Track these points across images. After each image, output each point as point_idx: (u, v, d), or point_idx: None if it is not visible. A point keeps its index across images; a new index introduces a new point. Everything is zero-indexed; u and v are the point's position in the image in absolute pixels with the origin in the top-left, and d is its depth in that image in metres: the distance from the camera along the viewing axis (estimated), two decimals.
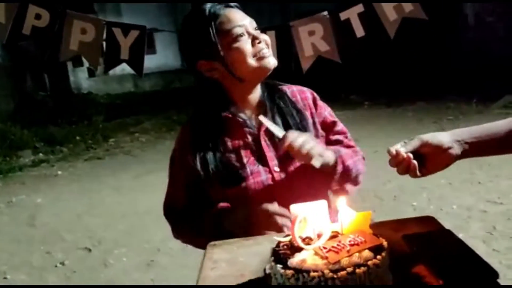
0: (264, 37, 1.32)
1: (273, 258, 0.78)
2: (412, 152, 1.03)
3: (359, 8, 1.66)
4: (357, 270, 0.71)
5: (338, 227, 0.81)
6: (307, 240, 0.78)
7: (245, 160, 1.32)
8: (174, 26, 17.58)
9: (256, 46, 1.30)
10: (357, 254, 0.74)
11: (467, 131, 1.09)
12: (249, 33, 1.30)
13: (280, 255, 0.78)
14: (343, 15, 1.66)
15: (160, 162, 6.85)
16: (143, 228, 4.25)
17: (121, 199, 5.27)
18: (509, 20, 9.36)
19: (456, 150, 1.06)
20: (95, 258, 3.75)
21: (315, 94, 1.49)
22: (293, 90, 1.47)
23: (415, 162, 1.02)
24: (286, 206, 1.27)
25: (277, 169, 1.32)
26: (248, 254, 1.00)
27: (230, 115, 1.35)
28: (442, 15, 9.42)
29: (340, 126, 1.47)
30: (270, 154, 1.34)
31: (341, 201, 0.82)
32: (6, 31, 1.52)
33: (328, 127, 1.45)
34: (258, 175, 1.31)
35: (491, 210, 3.75)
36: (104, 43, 1.63)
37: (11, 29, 1.53)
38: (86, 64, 15.84)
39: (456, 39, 10.88)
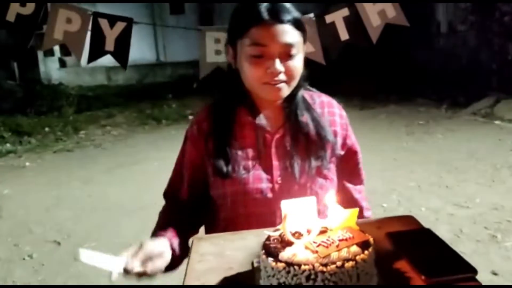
0: (280, 68, 1.18)
1: (264, 251, 0.80)
2: None
3: (344, 11, 1.70)
4: (346, 264, 0.73)
5: (326, 223, 0.84)
6: (297, 235, 0.81)
7: (250, 163, 1.27)
8: (151, 19, 17.38)
9: (268, 73, 1.18)
10: (345, 249, 0.77)
11: None
12: (271, 58, 1.18)
13: (271, 248, 0.80)
14: (328, 18, 1.70)
15: (131, 156, 6.79)
16: (114, 223, 4.20)
17: (91, 192, 5.19)
18: (480, 29, 9.65)
19: None
20: (64, 252, 3.68)
21: (344, 112, 1.40)
22: (322, 101, 1.38)
23: None
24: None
25: (280, 180, 1.26)
26: (234, 248, 1.01)
27: (245, 113, 1.30)
28: (415, 21, 9.64)
29: (360, 156, 1.43)
30: (276, 163, 1.27)
31: (329, 199, 0.84)
32: None
33: (352, 155, 1.40)
34: (259, 182, 1.26)
35: (458, 214, 3.88)
36: (89, 34, 1.61)
37: None
38: (57, 54, 15.51)
39: (428, 46, 11.15)
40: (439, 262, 0.86)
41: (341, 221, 0.82)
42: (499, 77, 8.98)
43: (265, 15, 1.18)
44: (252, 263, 0.91)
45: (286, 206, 0.83)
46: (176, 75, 16.15)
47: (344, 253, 0.75)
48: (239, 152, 1.27)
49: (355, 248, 0.77)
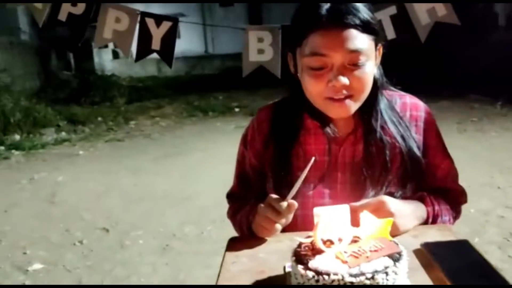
0: (344, 81, 1.02)
1: (294, 258, 0.81)
2: None
3: (392, 10, 1.66)
4: (376, 276, 0.73)
5: (359, 232, 0.83)
6: (328, 243, 0.81)
7: (313, 176, 1.13)
8: (201, 11, 17.59)
9: (329, 88, 1.04)
10: (376, 260, 0.76)
11: None
12: (333, 69, 1.03)
13: (301, 255, 0.80)
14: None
15: (179, 147, 6.95)
16: (160, 212, 4.32)
17: (139, 182, 5.35)
18: None
19: None
20: (112, 239, 3.83)
21: (433, 116, 1.22)
22: (405, 102, 1.21)
23: None
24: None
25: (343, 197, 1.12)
26: (268, 251, 1.02)
27: (312, 119, 1.17)
28: (472, 13, 9.26)
29: (452, 165, 1.26)
30: (342, 176, 1.15)
31: (363, 207, 0.84)
32: (43, 16, 1.57)
33: (439, 164, 1.23)
34: (320, 197, 1.14)
35: (509, 216, 3.71)
36: (137, 32, 1.66)
37: (48, 14, 1.58)
38: (111, 45, 16.05)
39: (485, 39, 10.69)
40: (472, 274, 0.83)
41: (374, 231, 0.82)
42: None
43: (325, 18, 1.01)
44: (284, 268, 0.92)
45: (319, 213, 0.83)
46: (224, 67, 16.32)
47: (374, 264, 0.75)
48: (302, 162, 1.14)
49: (386, 260, 0.76)
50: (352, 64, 1.03)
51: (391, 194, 1.12)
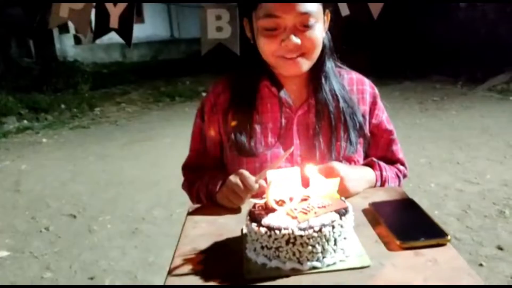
0: (295, 40, 1.11)
1: (249, 217, 0.85)
2: None
3: None
4: (323, 229, 0.78)
5: (309, 192, 0.88)
6: (280, 202, 0.85)
7: (269, 140, 1.21)
8: None
9: (282, 47, 1.12)
10: (324, 215, 0.81)
11: None
12: (286, 30, 1.11)
13: (255, 215, 0.85)
14: None
15: (146, 132, 6.89)
16: (128, 197, 4.31)
17: (106, 168, 5.30)
18: (499, 3, 9.41)
19: None
20: (80, 225, 3.80)
21: (376, 90, 1.33)
22: (351, 77, 1.30)
23: None
24: None
25: (299, 160, 1.20)
26: (227, 216, 1.07)
27: (268, 85, 1.24)
28: None
29: (393, 136, 1.33)
30: (297, 142, 1.21)
31: (311, 169, 0.89)
32: None
33: (381, 134, 1.31)
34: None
35: (467, 190, 3.88)
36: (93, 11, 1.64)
37: None
38: (72, 31, 15.59)
39: (447, 20, 10.91)
40: (414, 228, 0.90)
41: (322, 190, 0.87)
42: None
43: None
44: (242, 230, 0.96)
45: (272, 175, 0.88)
46: (190, 52, 16.11)
47: (322, 219, 0.80)
48: (260, 128, 1.22)
49: (333, 215, 0.81)
50: (303, 25, 1.11)
51: (340, 161, 1.20)
